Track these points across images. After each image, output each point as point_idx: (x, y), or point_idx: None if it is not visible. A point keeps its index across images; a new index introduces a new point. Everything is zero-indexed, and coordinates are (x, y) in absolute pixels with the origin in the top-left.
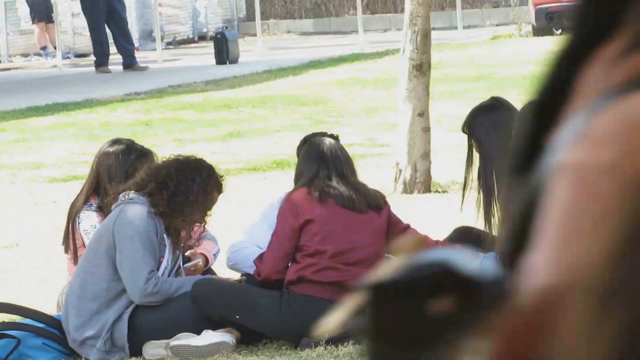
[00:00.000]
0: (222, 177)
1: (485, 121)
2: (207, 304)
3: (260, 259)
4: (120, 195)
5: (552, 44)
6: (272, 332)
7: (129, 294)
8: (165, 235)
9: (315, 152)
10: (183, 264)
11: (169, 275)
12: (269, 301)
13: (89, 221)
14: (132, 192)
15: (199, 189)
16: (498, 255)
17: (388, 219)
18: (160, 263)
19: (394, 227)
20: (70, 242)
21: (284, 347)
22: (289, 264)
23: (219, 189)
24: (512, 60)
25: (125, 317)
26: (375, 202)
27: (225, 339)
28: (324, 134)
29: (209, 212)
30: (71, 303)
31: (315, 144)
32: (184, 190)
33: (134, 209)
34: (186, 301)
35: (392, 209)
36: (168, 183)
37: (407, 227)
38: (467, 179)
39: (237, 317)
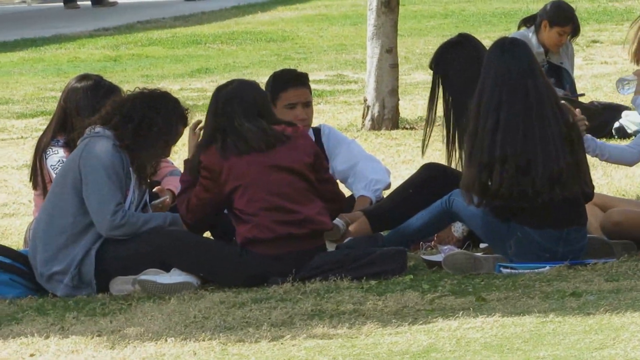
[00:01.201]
0: (187, 110)
1: (453, 58)
2: (170, 259)
3: (186, 210)
4: (86, 129)
5: None
6: (235, 286)
7: (96, 226)
8: (131, 170)
9: (211, 103)
10: (150, 201)
11: (135, 210)
12: (230, 260)
13: (57, 157)
14: (98, 126)
15: (163, 122)
16: (463, 188)
17: (315, 157)
18: (126, 197)
19: (318, 171)
20: (39, 178)
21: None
22: (238, 223)
23: (183, 121)
24: None
25: (93, 252)
26: (274, 139)
27: (190, 280)
28: (292, 71)
29: (174, 145)
30: (38, 237)
31: (214, 93)
32: (148, 123)
33: (99, 143)
34: (154, 238)
35: (359, 144)
36: (133, 116)
37: (329, 178)
38: (429, 116)
39: (201, 274)
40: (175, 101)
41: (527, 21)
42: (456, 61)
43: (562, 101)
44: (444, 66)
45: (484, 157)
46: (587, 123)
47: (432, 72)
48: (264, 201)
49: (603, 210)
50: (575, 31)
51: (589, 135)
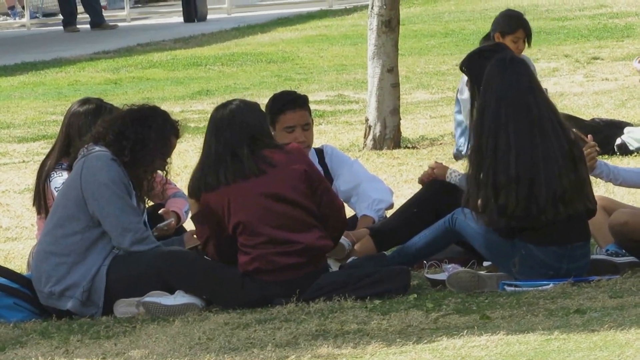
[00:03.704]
0: (177, 122)
1: (481, 65)
2: (173, 281)
3: (204, 246)
4: (80, 150)
5: None
6: (238, 308)
7: (116, 241)
8: (132, 188)
9: (208, 128)
10: (156, 224)
11: None
12: (233, 283)
13: (61, 179)
14: (91, 144)
15: (156, 135)
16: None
17: (306, 176)
18: None
19: (316, 187)
20: (42, 202)
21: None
22: (239, 254)
23: (176, 133)
24: (480, 15)
25: (104, 270)
26: (251, 169)
27: (194, 301)
28: (291, 93)
29: (169, 159)
30: (44, 260)
31: (212, 115)
32: (141, 139)
33: (98, 158)
34: (158, 260)
35: (362, 164)
36: (125, 132)
37: (326, 187)
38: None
39: (204, 297)
40: (165, 114)
41: (487, 40)
42: (483, 68)
43: (567, 120)
44: (471, 71)
45: (500, 178)
46: (598, 149)
47: (464, 73)
48: (263, 235)
49: (608, 212)
50: (529, 36)
51: (602, 161)
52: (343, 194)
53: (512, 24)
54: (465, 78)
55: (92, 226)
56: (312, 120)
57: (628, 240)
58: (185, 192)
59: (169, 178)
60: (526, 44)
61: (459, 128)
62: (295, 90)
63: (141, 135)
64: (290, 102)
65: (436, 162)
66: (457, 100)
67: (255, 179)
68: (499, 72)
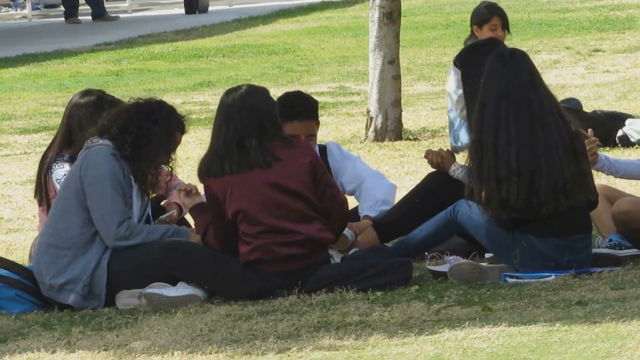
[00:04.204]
0: (183, 117)
1: (473, 59)
2: (175, 272)
3: (204, 235)
4: (85, 142)
5: None
6: (240, 299)
7: (102, 237)
8: (132, 178)
9: (216, 116)
10: (158, 215)
11: (137, 223)
12: (235, 274)
13: (62, 170)
14: (96, 137)
15: (161, 130)
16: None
17: (310, 168)
18: (130, 205)
19: (319, 180)
20: (44, 193)
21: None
22: (240, 244)
23: (181, 129)
24: None
25: (104, 263)
26: (257, 161)
27: (196, 293)
28: (301, 101)
29: (173, 154)
30: (45, 252)
31: (221, 99)
32: (146, 133)
33: (98, 152)
34: (160, 251)
35: (364, 159)
36: (130, 126)
37: (329, 181)
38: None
39: (206, 287)
40: (171, 109)
41: (470, 38)
42: (476, 63)
43: (567, 112)
44: (464, 66)
45: (501, 171)
46: (599, 144)
47: (457, 67)
48: (263, 224)
49: (610, 201)
50: (506, 23)
51: (602, 154)
52: (349, 193)
53: (487, 12)
54: (454, 74)
55: (92, 220)
56: (319, 123)
57: (630, 229)
58: (190, 181)
59: (174, 173)
60: (506, 32)
61: (455, 122)
62: (303, 91)
63: (146, 129)
64: (300, 113)
65: (448, 150)
66: (449, 98)
67: (260, 170)
68: (497, 68)
